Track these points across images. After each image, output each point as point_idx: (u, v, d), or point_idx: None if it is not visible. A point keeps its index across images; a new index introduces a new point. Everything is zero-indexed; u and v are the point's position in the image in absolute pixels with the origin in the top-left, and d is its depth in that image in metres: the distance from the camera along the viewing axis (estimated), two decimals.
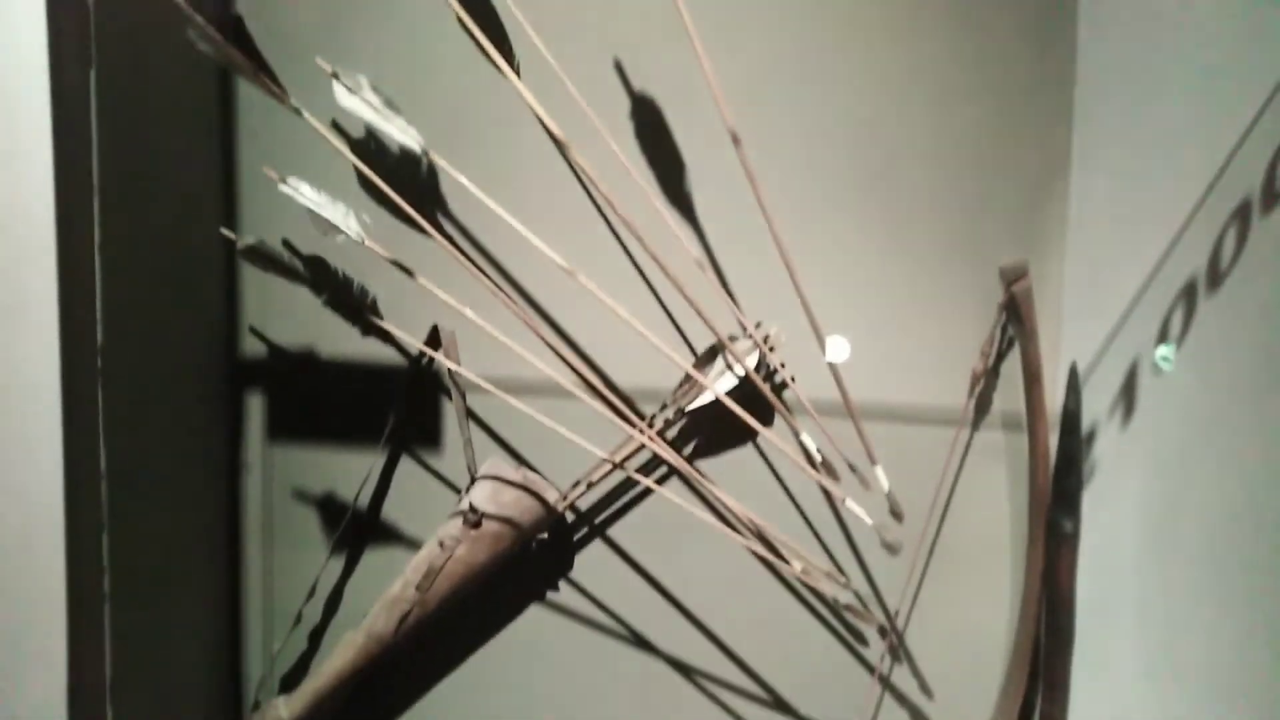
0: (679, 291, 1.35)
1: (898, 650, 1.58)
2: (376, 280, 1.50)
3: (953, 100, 1.48)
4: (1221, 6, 1.27)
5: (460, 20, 1.33)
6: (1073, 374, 1.43)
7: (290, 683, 1.58)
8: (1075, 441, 1.44)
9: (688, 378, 1.46)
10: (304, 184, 1.40)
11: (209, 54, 1.25)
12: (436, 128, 1.43)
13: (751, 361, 1.43)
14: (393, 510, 1.58)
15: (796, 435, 1.47)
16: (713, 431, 1.53)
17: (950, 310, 1.51)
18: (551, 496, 1.48)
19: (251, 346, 1.57)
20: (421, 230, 1.38)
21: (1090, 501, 1.46)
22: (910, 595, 1.55)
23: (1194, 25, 1.30)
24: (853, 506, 1.37)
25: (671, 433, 1.50)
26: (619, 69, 1.50)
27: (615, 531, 1.57)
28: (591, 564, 1.58)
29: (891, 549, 1.37)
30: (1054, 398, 1.48)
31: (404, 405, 1.55)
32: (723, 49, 1.47)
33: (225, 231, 1.42)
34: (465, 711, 1.62)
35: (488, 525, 1.45)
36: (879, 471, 1.41)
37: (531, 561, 1.56)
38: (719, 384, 1.42)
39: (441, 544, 1.46)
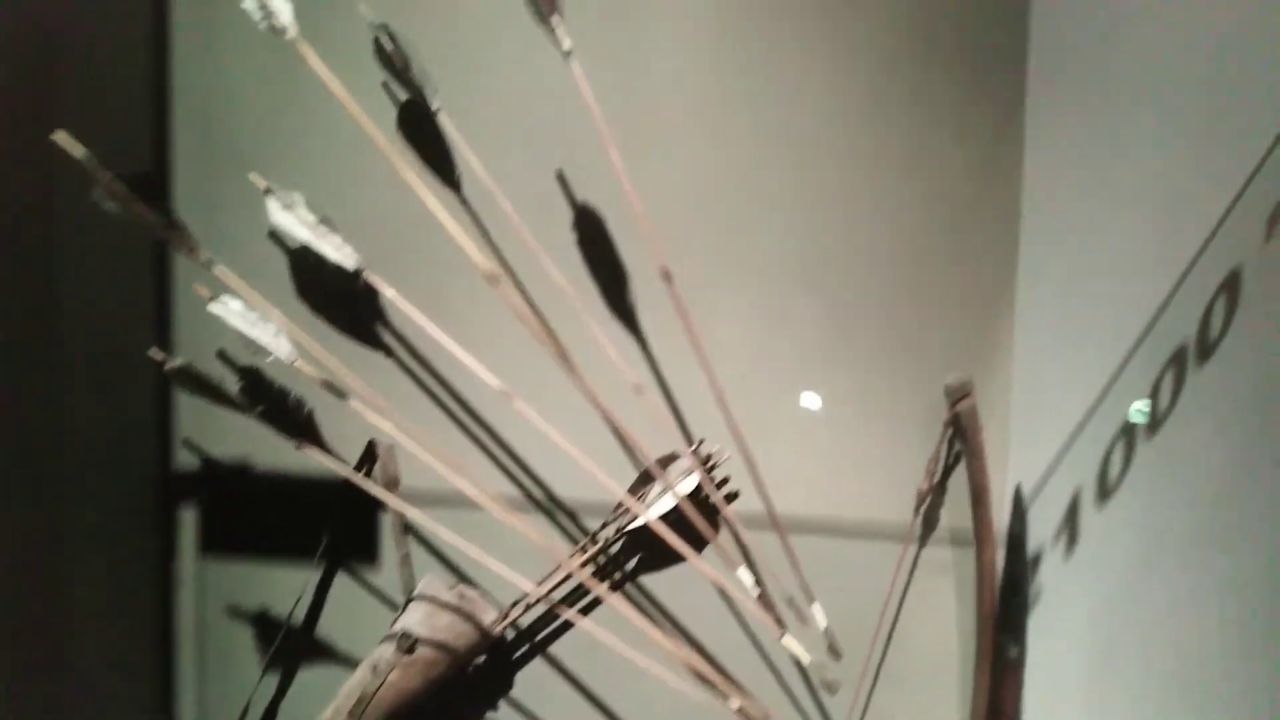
0: (608, 421, 1.33)
1: None
2: (313, 392, 1.46)
3: (898, 216, 1.47)
4: (1165, 131, 1.26)
5: (401, 137, 1.32)
6: (1018, 496, 1.42)
7: None
8: (1020, 565, 1.41)
9: (633, 491, 1.43)
10: (235, 301, 1.37)
11: (115, 212, 1.21)
12: (376, 244, 1.41)
13: (691, 482, 1.40)
14: (329, 627, 1.54)
15: (753, 566, 1.45)
16: (657, 547, 1.50)
17: (897, 425, 1.49)
18: (489, 618, 1.44)
19: (185, 459, 1.53)
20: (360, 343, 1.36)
21: (1036, 626, 1.43)
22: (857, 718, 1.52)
23: (1138, 152, 1.29)
24: (790, 644, 1.34)
25: (614, 548, 1.47)
26: (561, 180, 1.48)
27: (558, 649, 1.54)
28: (533, 683, 1.54)
29: (829, 688, 1.34)
30: (1001, 516, 1.46)
31: (339, 520, 1.51)
32: (665, 161, 1.46)
33: (153, 352, 1.39)
34: None
35: (422, 650, 1.41)
36: (816, 609, 1.38)
37: (469, 683, 1.53)
38: (657, 506, 1.39)
39: (375, 669, 1.42)
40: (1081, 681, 1.38)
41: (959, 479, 1.49)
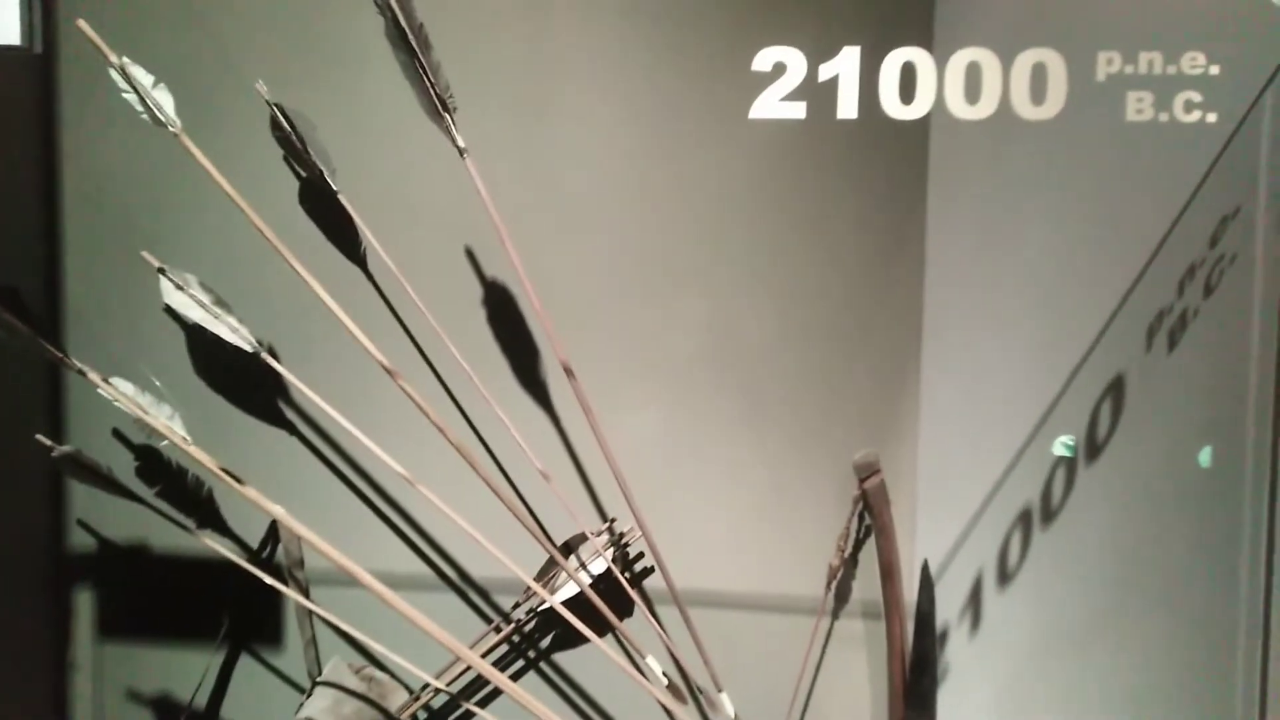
0: (509, 507, 1.32)
1: None
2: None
3: (806, 302, 1.46)
4: (1052, 241, 1.30)
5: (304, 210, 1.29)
6: (925, 573, 1.42)
7: None
8: (930, 641, 1.42)
9: (543, 572, 1.42)
10: (127, 384, 1.33)
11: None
12: (277, 322, 1.38)
13: (601, 563, 1.39)
14: (232, 711, 1.50)
15: (666, 651, 1.44)
16: (569, 626, 1.49)
17: (808, 500, 1.49)
18: (398, 702, 1.42)
19: (80, 540, 1.48)
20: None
21: (946, 701, 1.45)
22: None
23: (1032, 254, 1.32)
24: None
25: (529, 626, 1.46)
26: (470, 256, 1.46)
27: None
28: None
29: None
30: (910, 590, 1.47)
31: (241, 601, 1.47)
32: (570, 248, 1.45)
33: (40, 438, 1.34)
34: None
35: None
36: (725, 698, 1.38)
37: None
38: (565, 589, 1.38)
39: None
40: None
41: (869, 552, 1.50)
